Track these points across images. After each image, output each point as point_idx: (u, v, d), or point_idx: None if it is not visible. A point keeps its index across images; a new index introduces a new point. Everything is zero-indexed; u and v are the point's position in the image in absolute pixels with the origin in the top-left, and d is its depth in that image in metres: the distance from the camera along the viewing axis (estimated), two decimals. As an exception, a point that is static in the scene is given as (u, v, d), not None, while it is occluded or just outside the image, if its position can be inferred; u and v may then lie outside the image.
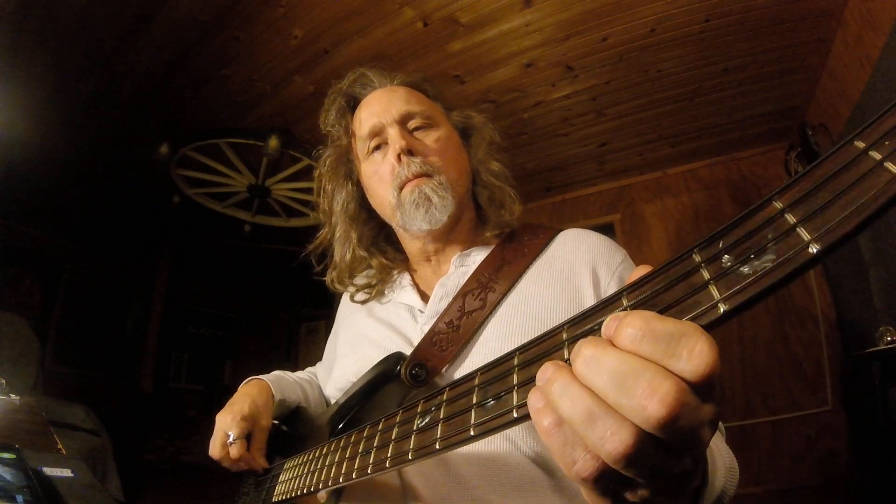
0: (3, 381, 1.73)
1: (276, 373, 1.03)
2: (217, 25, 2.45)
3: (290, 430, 0.93)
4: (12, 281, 4.13)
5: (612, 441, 0.28)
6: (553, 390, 0.31)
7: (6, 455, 1.05)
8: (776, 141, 3.49)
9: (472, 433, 0.38)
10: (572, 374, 0.31)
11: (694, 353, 0.27)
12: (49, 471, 1.12)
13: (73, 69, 2.65)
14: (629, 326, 0.29)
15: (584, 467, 0.30)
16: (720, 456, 0.56)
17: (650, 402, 0.27)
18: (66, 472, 1.15)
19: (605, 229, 3.75)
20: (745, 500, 2.95)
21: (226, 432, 0.84)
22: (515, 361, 0.37)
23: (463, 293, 0.83)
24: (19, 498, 0.96)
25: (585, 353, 0.30)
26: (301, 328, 6.47)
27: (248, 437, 0.86)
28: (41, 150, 3.23)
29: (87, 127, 3.12)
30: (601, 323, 0.32)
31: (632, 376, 0.28)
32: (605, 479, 0.30)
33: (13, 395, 1.68)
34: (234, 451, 0.83)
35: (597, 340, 0.30)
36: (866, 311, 2.57)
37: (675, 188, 3.82)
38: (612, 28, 2.53)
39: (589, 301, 0.78)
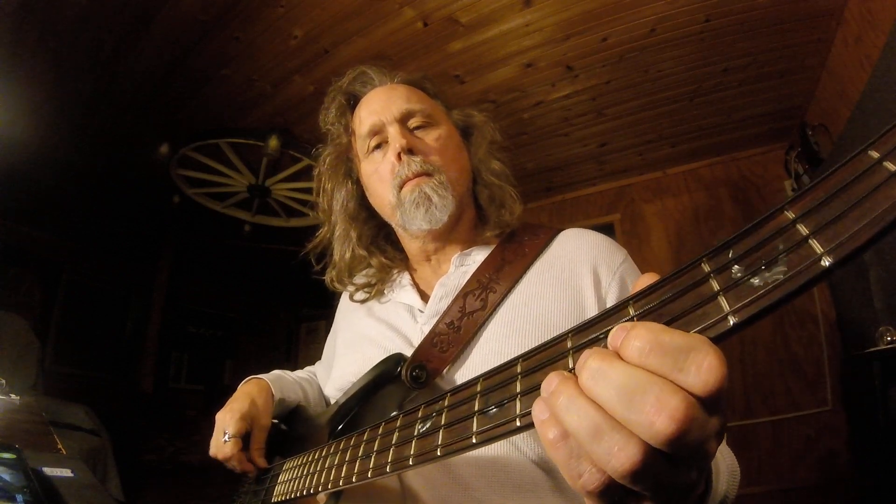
0: (3, 381, 1.73)
1: (276, 372, 1.03)
2: (217, 25, 2.45)
3: (290, 429, 0.93)
4: (12, 281, 4.12)
5: (619, 457, 0.28)
6: (559, 403, 0.30)
7: (6, 455, 1.05)
8: (776, 141, 3.49)
9: (473, 441, 0.38)
10: (578, 387, 0.30)
11: (703, 368, 0.27)
12: (49, 471, 1.11)
13: (73, 69, 2.65)
14: (637, 339, 0.29)
15: (590, 481, 0.30)
16: (723, 460, 0.56)
17: (658, 417, 0.26)
18: (66, 472, 1.15)
19: (605, 229, 3.75)
20: (745, 500, 2.95)
21: (224, 430, 0.84)
22: (518, 369, 0.37)
23: (463, 293, 0.82)
24: (19, 498, 0.96)
25: (592, 366, 0.29)
26: (301, 328, 6.47)
27: (247, 437, 0.86)
28: (41, 150, 3.23)
29: (87, 127, 3.12)
30: (607, 332, 0.31)
31: (640, 391, 0.27)
32: (611, 493, 0.30)
33: (13, 395, 1.68)
34: (228, 449, 0.83)
35: (603, 352, 0.30)
36: (866, 311, 2.57)
37: (675, 188, 3.82)
38: (612, 28, 2.52)
39: (590, 302, 0.78)
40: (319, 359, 1.16)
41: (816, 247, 0.25)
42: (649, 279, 0.33)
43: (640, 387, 0.27)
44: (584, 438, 0.29)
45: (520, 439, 0.71)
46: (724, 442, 0.64)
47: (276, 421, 0.92)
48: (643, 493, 0.29)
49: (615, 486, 0.30)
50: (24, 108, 2.81)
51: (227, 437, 0.83)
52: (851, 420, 2.89)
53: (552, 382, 0.31)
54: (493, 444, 0.69)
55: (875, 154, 0.24)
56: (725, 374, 0.27)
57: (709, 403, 0.28)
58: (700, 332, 0.28)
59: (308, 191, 3.38)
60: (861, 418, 2.68)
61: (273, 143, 3.07)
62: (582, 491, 0.31)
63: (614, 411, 0.28)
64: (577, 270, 0.82)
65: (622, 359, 0.29)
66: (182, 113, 3.07)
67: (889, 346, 2.21)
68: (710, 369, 0.27)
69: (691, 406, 0.27)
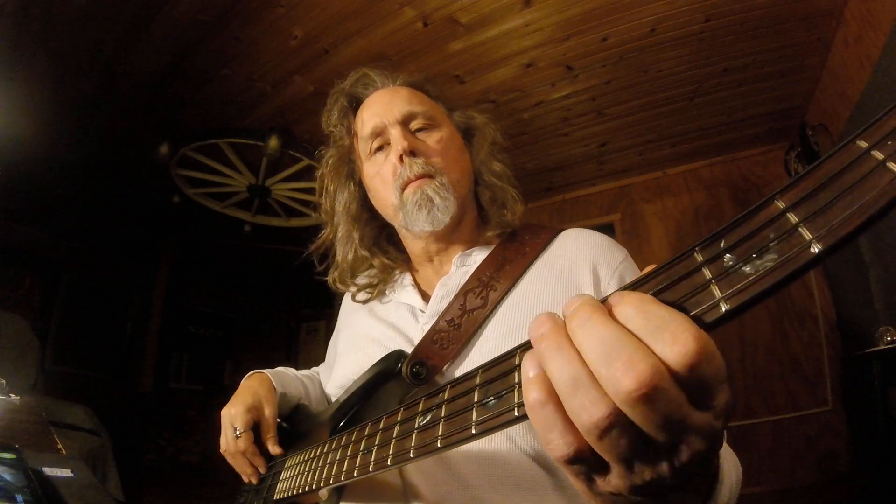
0: (3, 381, 1.73)
1: (278, 368, 1.04)
2: (217, 25, 2.45)
3: (292, 427, 0.93)
4: (12, 281, 4.13)
5: (591, 410, 0.29)
6: (547, 348, 0.32)
7: (6, 455, 1.05)
8: (776, 141, 3.49)
9: (473, 431, 0.38)
10: (566, 335, 0.32)
11: (678, 340, 0.28)
12: (49, 471, 1.12)
13: (73, 69, 2.65)
14: (627, 305, 0.30)
15: (557, 448, 0.31)
16: (728, 466, 0.56)
17: (625, 376, 0.27)
18: (66, 472, 1.16)
19: (605, 229, 3.75)
20: (745, 500, 2.95)
21: (232, 426, 0.85)
22: (517, 360, 0.37)
23: (464, 292, 0.83)
24: (19, 498, 0.97)
25: (581, 315, 0.31)
26: (301, 328, 6.47)
27: (257, 429, 0.87)
28: (41, 150, 3.23)
29: (87, 127, 3.13)
30: None
31: (616, 347, 0.28)
32: (578, 462, 0.32)
33: (13, 395, 1.68)
34: (242, 443, 0.84)
35: (595, 305, 0.31)
36: (866, 311, 2.58)
37: (675, 188, 3.83)
38: (612, 28, 2.53)
39: (589, 300, 0.78)
40: (320, 359, 1.17)
41: (806, 234, 0.26)
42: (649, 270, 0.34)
43: (618, 343, 0.29)
44: (563, 388, 0.30)
45: (519, 436, 0.71)
46: (731, 451, 0.63)
47: (278, 419, 0.93)
48: (610, 461, 0.31)
49: (582, 456, 0.31)
50: (24, 108, 2.82)
51: (238, 432, 0.84)
52: (851, 420, 2.89)
53: (544, 325, 0.33)
54: (493, 441, 0.71)
55: (864, 144, 0.25)
56: (699, 350, 0.27)
57: (684, 382, 0.28)
58: (693, 318, 0.29)
59: (308, 191, 3.40)
60: (861, 418, 2.69)
61: (273, 143, 3.07)
62: (553, 457, 0.32)
63: (591, 363, 0.30)
64: (577, 269, 0.82)
65: (610, 316, 0.31)
66: (182, 113, 3.08)
67: (889, 346, 2.22)
68: (683, 343, 0.28)
69: (659, 374, 0.27)
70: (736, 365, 3.28)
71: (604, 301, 0.32)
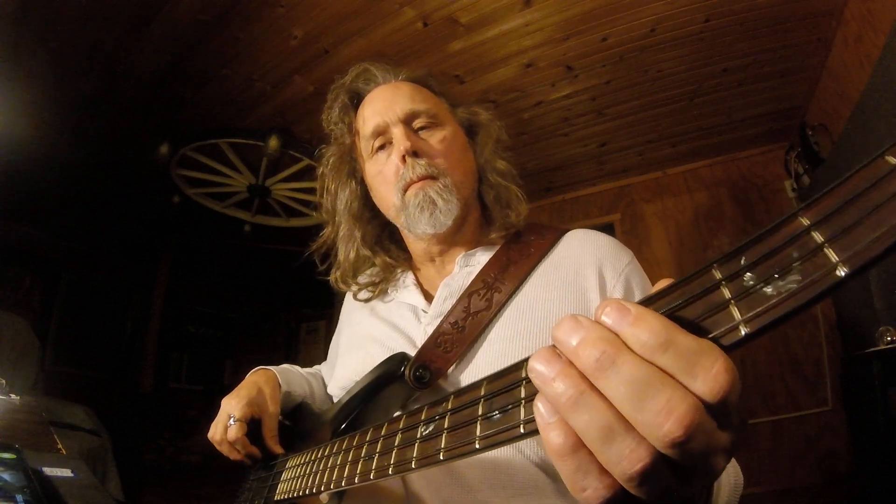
0: (3, 381, 1.73)
1: (284, 366, 1.03)
2: (217, 25, 2.44)
3: (294, 425, 0.93)
4: (12, 281, 4.12)
5: (630, 459, 0.27)
6: (565, 396, 0.29)
7: (6, 455, 1.05)
8: (776, 141, 3.49)
9: (476, 446, 0.37)
10: (582, 377, 0.29)
11: (710, 374, 0.26)
12: (49, 471, 1.11)
13: (73, 69, 2.64)
14: (651, 332, 0.28)
15: (595, 494, 0.29)
16: (726, 476, 0.56)
17: (667, 420, 0.26)
18: (66, 472, 1.15)
19: (605, 229, 3.72)
20: (746, 500, 2.94)
21: (229, 414, 0.84)
22: (523, 373, 0.36)
23: (468, 293, 0.82)
24: (19, 498, 0.96)
25: (600, 356, 0.28)
26: (301, 328, 6.47)
27: (257, 424, 0.86)
28: (41, 150, 3.22)
29: (87, 127, 3.12)
30: None
31: (651, 390, 0.26)
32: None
33: (13, 395, 1.67)
34: (232, 433, 0.82)
35: (610, 340, 0.28)
36: (866, 311, 2.57)
37: (675, 188, 3.82)
38: (612, 28, 2.52)
39: (595, 303, 0.77)
40: (320, 359, 1.16)
41: (832, 255, 0.24)
42: (664, 285, 0.32)
43: (652, 385, 0.27)
44: (594, 440, 0.28)
45: (523, 443, 0.71)
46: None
47: (280, 417, 0.92)
48: (647, 499, 0.29)
49: (618, 499, 0.29)
50: (24, 108, 2.81)
51: (233, 420, 0.83)
52: (851, 420, 2.89)
53: (551, 366, 0.30)
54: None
55: (892, 160, 0.23)
56: (731, 382, 0.27)
57: (716, 412, 0.27)
58: (711, 340, 0.28)
59: (308, 191, 3.39)
60: (861, 418, 2.68)
61: (273, 143, 3.06)
62: (584, 503, 0.30)
63: (622, 408, 0.27)
64: (583, 272, 0.81)
65: (629, 348, 0.28)
66: (182, 113, 3.07)
67: (889, 346, 2.21)
68: (716, 377, 0.26)
69: (700, 412, 0.26)
70: (736, 365, 3.22)
71: (604, 313, 0.29)
